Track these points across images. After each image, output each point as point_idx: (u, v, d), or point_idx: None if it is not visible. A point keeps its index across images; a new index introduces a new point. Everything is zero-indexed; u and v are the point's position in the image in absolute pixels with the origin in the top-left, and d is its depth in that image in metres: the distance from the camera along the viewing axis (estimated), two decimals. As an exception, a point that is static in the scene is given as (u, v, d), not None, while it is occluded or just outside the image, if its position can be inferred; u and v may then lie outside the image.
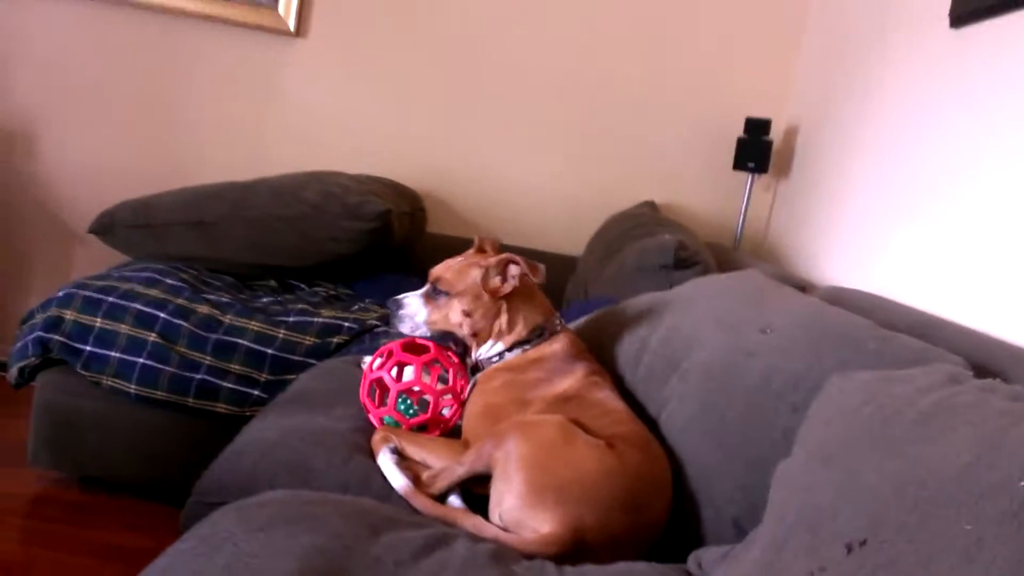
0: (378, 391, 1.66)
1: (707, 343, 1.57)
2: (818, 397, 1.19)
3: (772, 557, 0.96)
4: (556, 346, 1.66)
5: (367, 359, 2.04)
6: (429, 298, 1.68)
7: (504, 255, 1.65)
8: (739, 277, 1.83)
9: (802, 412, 1.27)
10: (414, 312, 1.68)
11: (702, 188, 3.32)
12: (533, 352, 1.65)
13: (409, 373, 1.66)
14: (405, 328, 1.69)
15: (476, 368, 1.70)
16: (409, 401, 1.65)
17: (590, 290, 2.56)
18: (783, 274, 2.37)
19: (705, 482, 1.39)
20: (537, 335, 1.67)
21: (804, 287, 2.13)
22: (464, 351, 1.73)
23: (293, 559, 1.04)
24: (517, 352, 1.66)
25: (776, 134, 3.10)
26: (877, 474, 0.86)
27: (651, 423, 1.60)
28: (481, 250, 1.78)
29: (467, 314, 1.65)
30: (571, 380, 1.61)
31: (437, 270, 1.70)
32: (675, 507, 1.43)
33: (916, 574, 0.72)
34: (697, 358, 1.56)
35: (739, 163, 3.03)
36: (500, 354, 1.67)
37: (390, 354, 1.65)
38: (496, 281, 1.65)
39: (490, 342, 1.68)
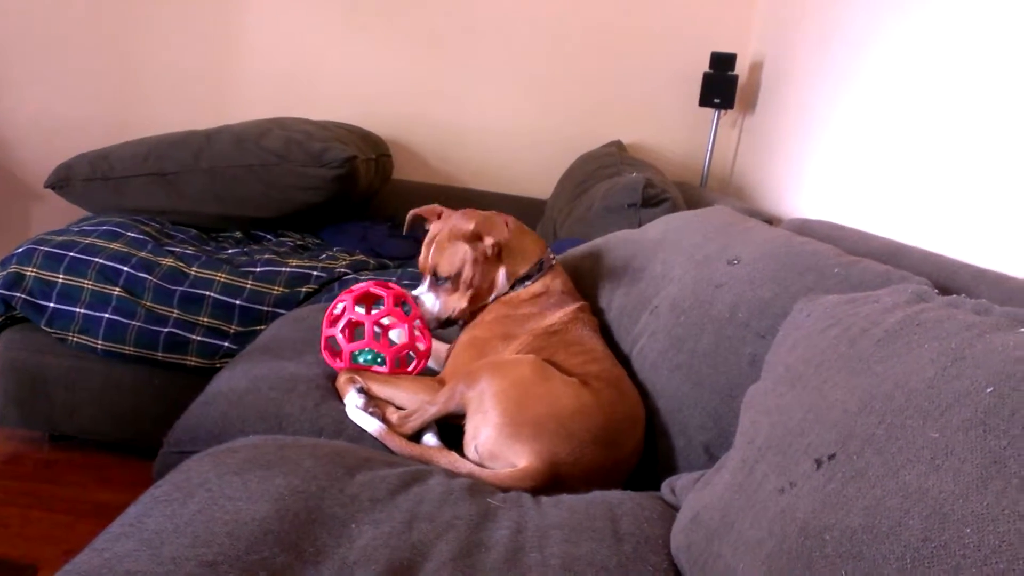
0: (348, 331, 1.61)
1: (676, 278, 1.57)
2: (785, 322, 1.20)
3: (743, 478, 0.97)
4: (555, 280, 1.68)
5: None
6: (436, 288, 1.66)
7: (474, 227, 1.62)
8: (707, 212, 1.83)
9: (769, 339, 1.29)
10: (430, 307, 1.66)
11: (669, 126, 3.30)
12: (534, 286, 1.67)
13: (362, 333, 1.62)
14: (430, 328, 1.67)
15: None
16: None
17: (559, 232, 2.56)
18: (750, 209, 2.38)
19: (676, 413, 1.41)
20: (537, 269, 1.68)
21: (771, 221, 2.14)
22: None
23: (268, 501, 1.04)
24: (519, 288, 1.67)
25: (741, 69, 3.08)
26: (844, 391, 0.87)
27: (624, 360, 1.61)
28: (438, 216, 1.75)
29: (471, 285, 1.65)
30: (560, 314, 1.62)
31: (430, 260, 1.66)
32: (648, 439, 1.45)
33: (885, 483, 0.73)
34: (667, 293, 1.56)
35: (705, 99, 3.01)
36: (504, 293, 1.68)
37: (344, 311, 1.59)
38: (482, 248, 1.64)
39: (498, 290, 1.68)
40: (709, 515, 0.99)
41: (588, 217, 2.33)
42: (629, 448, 1.41)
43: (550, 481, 1.29)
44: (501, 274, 1.67)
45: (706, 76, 2.99)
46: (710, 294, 1.46)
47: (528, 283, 1.67)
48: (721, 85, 2.99)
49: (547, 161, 3.24)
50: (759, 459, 0.95)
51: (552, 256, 1.73)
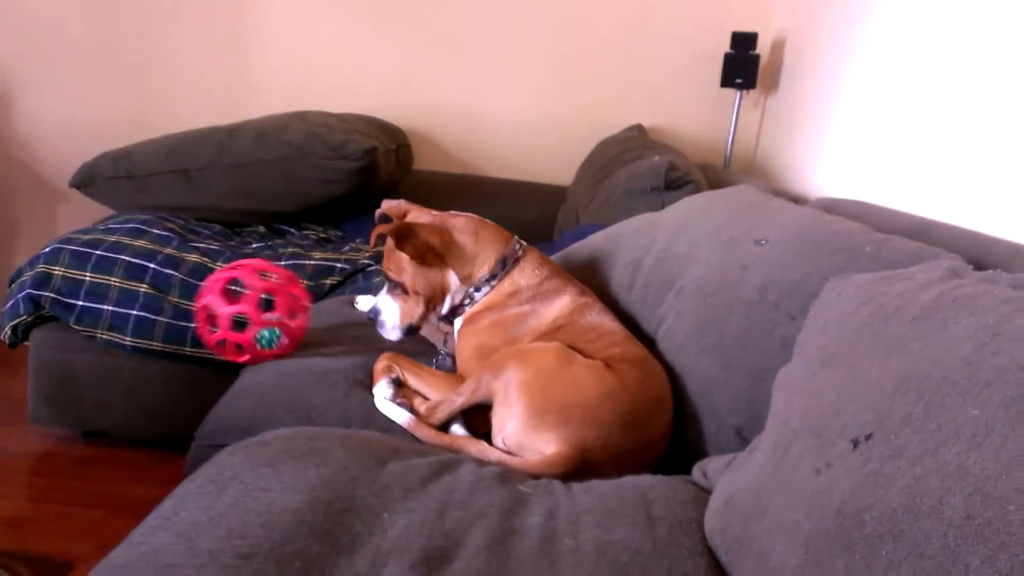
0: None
1: (702, 259, 1.56)
2: (816, 302, 1.19)
3: (777, 460, 0.96)
4: (526, 273, 1.63)
5: (360, 298, 2.04)
6: (393, 293, 1.65)
7: (395, 232, 1.56)
8: (731, 192, 1.81)
9: (800, 320, 1.27)
10: (389, 313, 1.64)
11: (690, 108, 3.27)
12: (506, 285, 1.62)
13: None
14: (392, 336, 1.66)
15: (454, 316, 1.68)
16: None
17: (581, 218, 2.54)
18: (775, 189, 2.35)
19: (707, 396, 1.40)
20: (500, 267, 1.63)
21: (796, 200, 2.11)
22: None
23: (301, 492, 1.04)
24: (486, 290, 1.63)
25: (763, 48, 3.04)
26: (880, 371, 0.85)
27: (648, 342, 1.60)
28: (403, 216, 1.72)
29: (418, 291, 1.62)
30: (558, 308, 1.59)
31: (383, 264, 1.66)
32: (677, 422, 1.44)
33: (925, 462, 0.72)
34: (692, 274, 1.55)
35: (726, 80, 2.98)
36: (469, 296, 1.63)
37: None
38: (416, 247, 1.59)
39: (452, 293, 1.64)
40: (743, 498, 0.98)
41: (610, 202, 2.31)
42: (658, 430, 1.40)
43: (579, 467, 1.29)
44: (450, 277, 1.63)
45: (727, 56, 2.96)
46: (737, 275, 1.44)
47: (494, 283, 1.63)
48: (742, 65, 2.95)
49: (568, 147, 3.22)
50: (793, 440, 0.94)
51: (519, 250, 1.66)
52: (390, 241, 1.60)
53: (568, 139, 3.25)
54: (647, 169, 2.24)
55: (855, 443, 0.80)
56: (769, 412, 1.11)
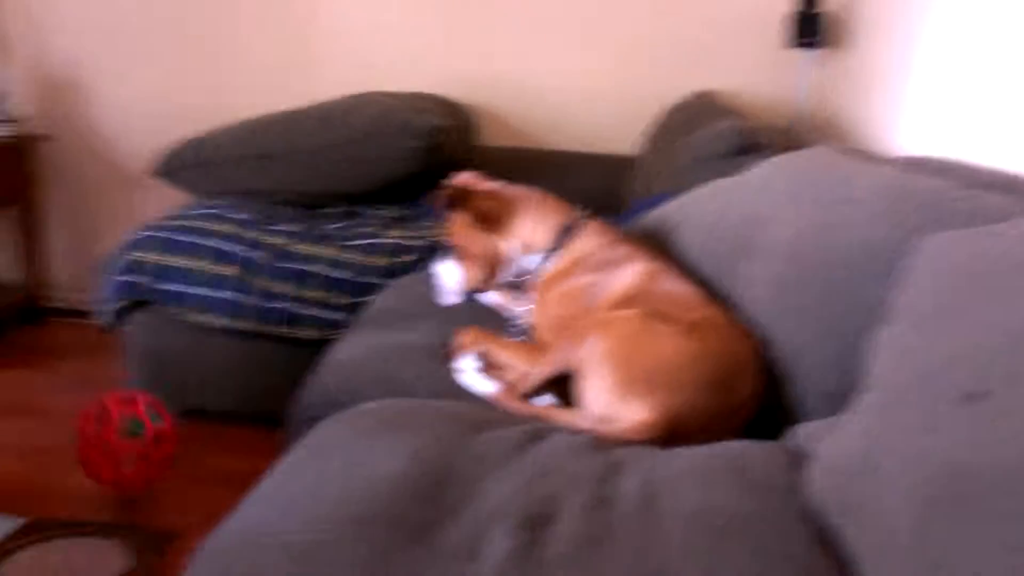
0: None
1: (784, 221, 1.54)
2: (910, 260, 1.17)
3: (882, 421, 0.96)
4: (589, 241, 1.65)
5: (435, 271, 2.07)
6: (454, 259, 1.72)
7: (448, 197, 1.66)
8: (810, 153, 1.78)
9: (890, 279, 1.25)
10: (449, 276, 1.72)
11: (756, 71, 3.20)
12: (569, 254, 1.64)
13: None
14: (450, 300, 1.73)
15: (522, 288, 1.71)
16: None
17: (649, 188, 2.53)
18: (852, 150, 2.30)
19: (793, 360, 1.39)
20: (561, 236, 1.65)
21: (876, 160, 2.06)
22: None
23: (402, 460, 1.08)
24: (553, 260, 1.65)
25: (830, 3, 2.96)
26: (986, 328, 0.84)
27: (731, 306, 1.59)
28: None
29: (471, 256, 1.68)
30: (630, 276, 1.59)
31: (445, 230, 1.73)
32: (769, 387, 1.43)
33: (1040, 418, 0.71)
34: (775, 236, 1.53)
35: (794, 40, 2.91)
36: (535, 268, 1.66)
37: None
38: (473, 212, 1.65)
39: (511, 261, 1.69)
40: (846, 460, 0.98)
41: (680, 170, 2.29)
42: (745, 393, 1.40)
43: (668, 433, 1.30)
44: (504, 245, 1.66)
45: (794, 15, 2.89)
46: (822, 236, 1.42)
47: (557, 252, 1.65)
48: (809, 23, 2.87)
49: (632, 116, 3.18)
50: (897, 401, 0.94)
51: (581, 217, 1.68)
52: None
53: (632, 108, 3.21)
54: (717, 135, 2.21)
55: (966, 401, 0.79)
56: (867, 373, 1.10)
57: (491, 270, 1.69)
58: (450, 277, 1.71)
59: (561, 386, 1.46)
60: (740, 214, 1.68)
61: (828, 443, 1.05)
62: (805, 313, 1.39)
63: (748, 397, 1.40)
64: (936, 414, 0.84)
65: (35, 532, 1.92)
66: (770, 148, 2.17)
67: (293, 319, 2.30)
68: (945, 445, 0.82)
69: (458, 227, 1.68)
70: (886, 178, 1.49)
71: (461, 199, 1.64)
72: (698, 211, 1.81)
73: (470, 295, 1.72)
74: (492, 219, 1.65)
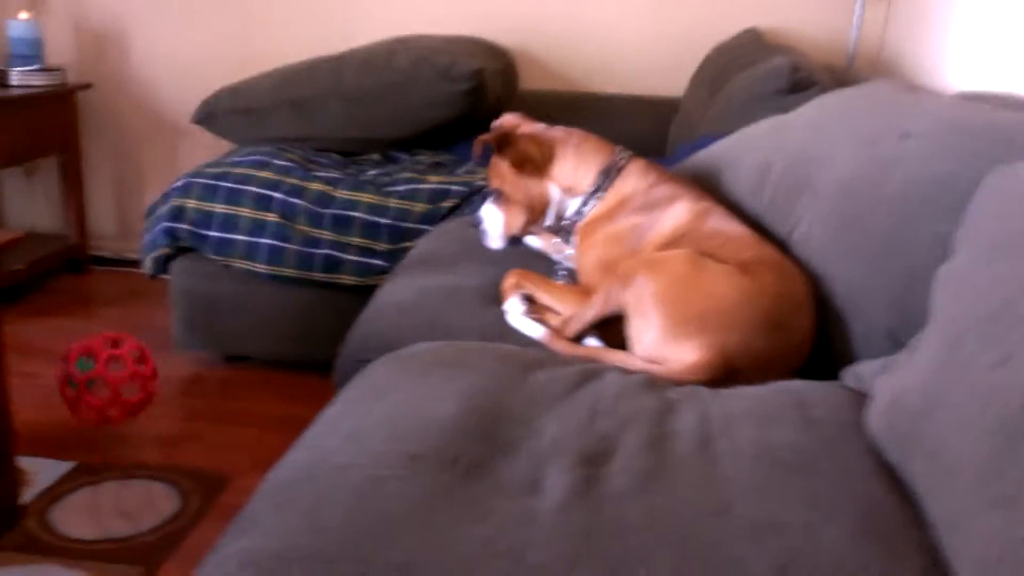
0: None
1: (841, 158, 1.49)
2: (978, 194, 1.12)
3: (948, 356, 0.93)
4: (633, 181, 1.61)
5: (480, 216, 2.06)
6: (497, 202, 1.69)
7: (492, 139, 1.64)
8: (868, 89, 1.71)
9: (955, 215, 1.20)
10: (492, 221, 1.69)
11: (807, 7, 3.09)
12: (612, 195, 1.61)
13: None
14: (495, 244, 1.72)
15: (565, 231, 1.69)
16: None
17: (697, 129, 2.47)
18: (910, 85, 2.22)
19: (852, 299, 1.35)
20: (603, 178, 1.62)
21: (934, 95, 1.98)
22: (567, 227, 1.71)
23: (455, 399, 1.07)
24: (593, 202, 1.62)
25: (887, -65, 2.84)
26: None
27: (781, 246, 1.55)
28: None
29: (514, 200, 1.65)
30: (676, 215, 1.55)
31: (488, 173, 1.71)
32: (823, 326, 1.40)
33: None
34: (831, 174, 1.48)
35: (846, -26, 2.80)
36: (578, 211, 1.64)
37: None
38: (515, 155, 1.62)
39: (554, 204, 1.66)
40: (911, 397, 0.95)
41: (729, 110, 2.23)
42: (800, 332, 1.36)
43: (723, 373, 1.28)
44: (551, 188, 1.64)
45: (847, -52, 2.78)
46: (882, 172, 1.37)
47: (600, 194, 1.62)
48: (863, -44, 2.76)
49: (678, 56, 3.10)
50: (965, 336, 0.90)
51: (621, 160, 1.64)
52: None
53: (678, 48, 3.13)
54: (768, 72, 2.14)
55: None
56: (930, 310, 1.06)
57: (533, 215, 1.67)
58: (493, 222, 1.69)
59: (603, 328, 1.44)
60: (794, 152, 1.63)
61: (890, 380, 1.02)
62: (862, 252, 1.35)
63: (804, 337, 1.37)
64: (1006, 348, 0.80)
65: (84, 475, 1.96)
66: (823, 85, 2.10)
67: (334, 265, 2.30)
68: (1016, 379, 0.79)
69: (500, 171, 1.66)
70: (950, 112, 1.43)
71: (504, 143, 1.62)
72: (750, 150, 1.76)
73: (514, 240, 1.69)
74: (534, 163, 1.63)
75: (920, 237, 1.27)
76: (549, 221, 1.69)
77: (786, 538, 0.82)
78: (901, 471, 0.94)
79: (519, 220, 1.67)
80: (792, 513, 0.86)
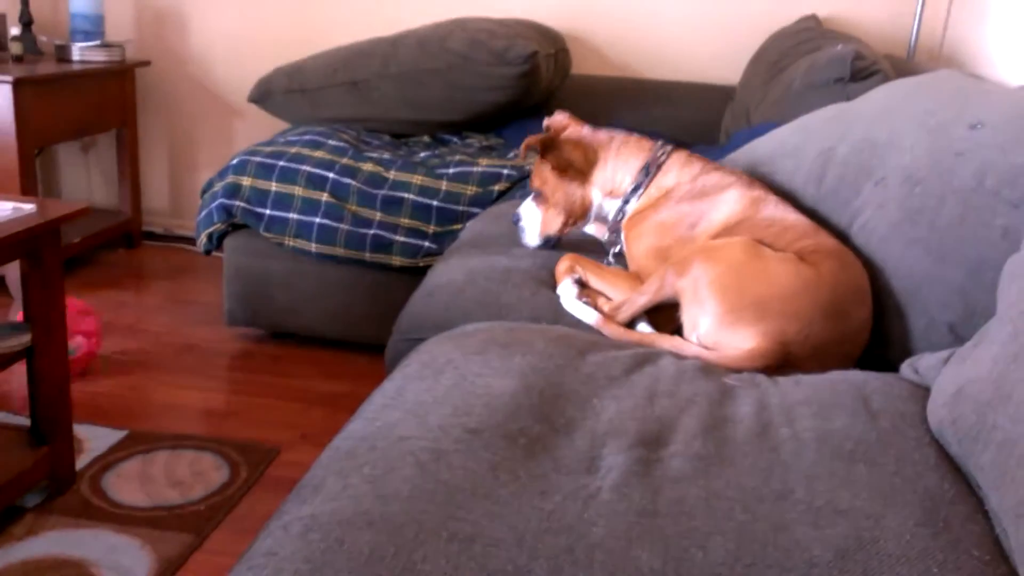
0: None
1: (906, 147, 1.46)
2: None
3: (1014, 349, 0.91)
4: (670, 174, 1.61)
5: (518, 213, 2.06)
6: (537, 201, 1.70)
7: (540, 144, 1.65)
8: (934, 77, 1.68)
9: (1025, 208, 1.18)
10: (531, 219, 1.70)
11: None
12: (653, 190, 1.61)
13: None
14: (531, 243, 1.72)
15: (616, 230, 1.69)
16: None
17: (753, 117, 2.44)
18: (976, 76, 2.16)
19: (914, 291, 1.33)
20: (643, 175, 1.62)
21: (1001, 86, 1.94)
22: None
23: (513, 377, 1.08)
24: (636, 200, 1.62)
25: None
26: None
27: (840, 236, 1.52)
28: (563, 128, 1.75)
29: (556, 203, 1.67)
30: (728, 205, 1.54)
31: (532, 173, 1.72)
32: (881, 318, 1.38)
33: None
34: (896, 163, 1.45)
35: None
36: (620, 210, 1.64)
37: None
38: (559, 159, 1.64)
39: (595, 207, 1.67)
40: (978, 388, 0.93)
41: (788, 98, 2.20)
42: (859, 321, 1.34)
43: (780, 360, 1.27)
44: (592, 192, 1.65)
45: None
46: (950, 162, 1.35)
47: (640, 191, 1.61)
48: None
49: (734, 43, 3.06)
50: (1038, 328, 0.88)
51: (661, 155, 1.63)
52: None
53: (734, 34, 3.09)
54: (830, 59, 2.10)
55: None
56: (999, 303, 1.04)
57: (572, 217, 1.70)
58: (531, 220, 1.71)
59: (654, 314, 1.44)
60: (859, 139, 1.60)
61: (955, 371, 1.00)
62: (927, 243, 1.33)
63: (861, 326, 1.36)
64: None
65: (136, 444, 2.01)
66: (885, 74, 2.06)
67: (383, 246, 2.31)
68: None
69: (543, 174, 1.68)
70: (1020, 102, 1.39)
71: (548, 147, 1.65)
72: (812, 137, 1.73)
73: (549, 241, 1.71)
74: (576, 168, 1.65)
75: (988, 229, 1.25)
76: (589, 223, 1.73)
77: (848, 525, 0.81)
78: (963, 463, 0.92)
79: (557, 222, 1.69)
80: (854, 500, 0.85)
